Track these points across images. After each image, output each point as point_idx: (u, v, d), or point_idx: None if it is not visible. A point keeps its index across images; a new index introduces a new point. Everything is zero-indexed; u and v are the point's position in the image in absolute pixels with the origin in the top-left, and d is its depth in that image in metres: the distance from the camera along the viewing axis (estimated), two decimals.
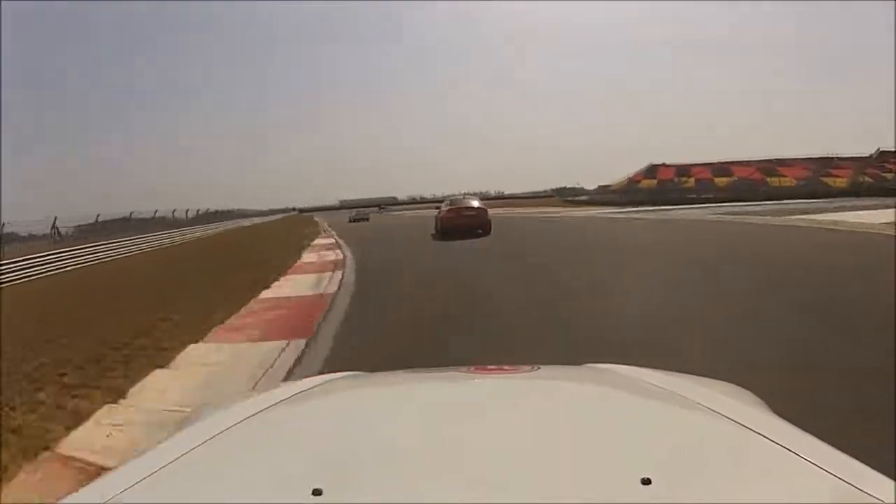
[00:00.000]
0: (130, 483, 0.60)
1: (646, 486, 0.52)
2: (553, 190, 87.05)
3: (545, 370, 1.06)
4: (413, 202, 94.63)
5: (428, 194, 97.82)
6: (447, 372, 1.13)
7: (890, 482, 0.55)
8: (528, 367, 1.05)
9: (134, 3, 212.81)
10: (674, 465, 0.60)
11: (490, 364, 1.13)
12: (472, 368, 1.10)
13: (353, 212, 43.24)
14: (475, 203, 15.10)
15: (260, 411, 0.83)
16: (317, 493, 0.53)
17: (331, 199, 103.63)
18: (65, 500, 0.59)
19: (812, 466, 0.58)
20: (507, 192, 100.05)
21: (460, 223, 13.92)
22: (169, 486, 0.60)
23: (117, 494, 0.57)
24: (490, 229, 14.15)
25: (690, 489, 0.55)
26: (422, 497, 0.53)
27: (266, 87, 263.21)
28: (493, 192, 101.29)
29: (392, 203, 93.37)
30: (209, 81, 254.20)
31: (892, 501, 0.51)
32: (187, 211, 30.03)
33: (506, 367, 1.10)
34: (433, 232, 15.39)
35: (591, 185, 64.43)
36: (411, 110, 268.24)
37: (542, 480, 0.56)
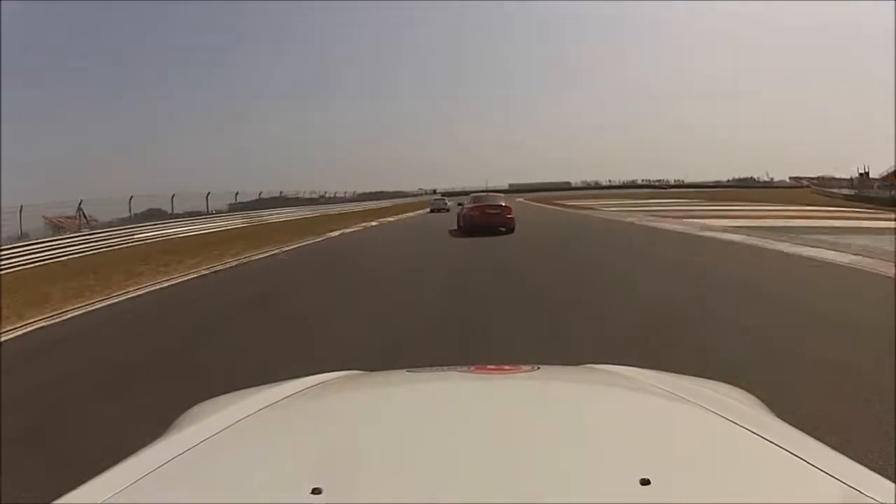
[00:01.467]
0: (129, 482, 0.59)
1: (645, 487, 0.52)
2: (735, 180, 73.03)
3: (545, 370, 1.05)
4: (588, 187, 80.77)
5: (604, 180, 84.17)
6: (446, 371, 1.10)
7: (890, 484, 0.55)
8: (528, 368, 1.03)
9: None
10: (673, 466, 0.59)
11: (490, 364, 1.10)
12: (472, 368, 1.07)
13: (432, 200, 38.39)
14: (501, 202, 14.57)
15: (259, 410, 0.82)
16: (316, 491, 0.52)
17: (501, 182, 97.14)
18: (63, 500, 0.58)
19: (811, 468, 0.57)
20: (686, 179, 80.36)
21: (483, 221, 13.71)
22: (167, 485, 0.60)
23: (116, 493, 0.57)
24: (514, 228, 13.74)
25: (689, 490, 0.54)
26: (421, 496, 0.53)
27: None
28: (672, 179, 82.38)
29: (566, 188, 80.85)
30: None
31: (892, 503, 0.51)
32: (345, 192, 43.95)
33: (505, 367, 1.08)
34: (453, 228, 15.26)
35: (778, 176, 56.21)
36: (588, 101, 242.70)
37: (542, 481, 0.55)
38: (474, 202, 14.62)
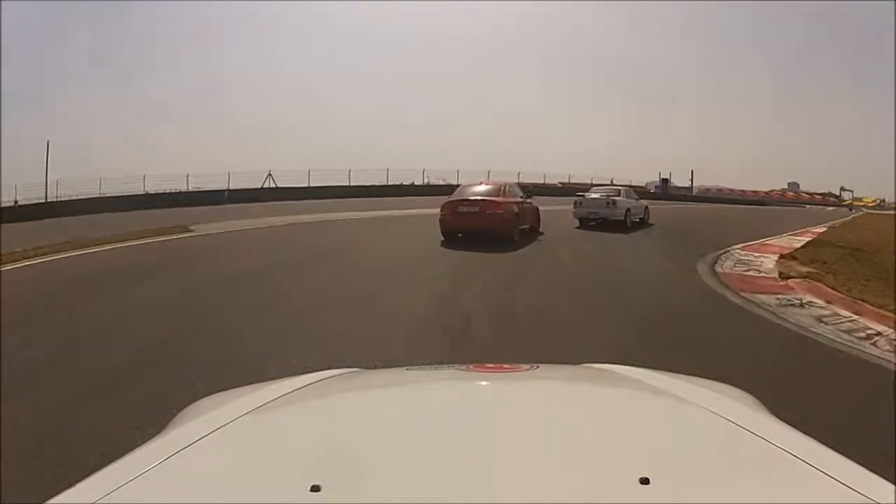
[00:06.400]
0: (126, 480, 0.58)
1: (644, 486, 0.52)
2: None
3: (544, 369, 1.06)
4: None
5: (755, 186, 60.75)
6: (445, 370, 1.10)
7: (889, 485, 0.55)
8: (527, 366, 1.04)
9: None
10: (672, 465, 0.59)
11: (489, 363, 1.11)
12: (471, 366, 1.07)
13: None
14: (494, 196, 9.52)
15: (258, 407, 0.82)
16: (315, 489, 0.52)
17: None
18: (59, 498, 0.58)
19: (809, 468, 0.57)
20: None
21: (458, 224, 9.38)
22: (165, 483, 0.60)
23: (113, 491, 0.56)
24: (509, 233, 9.18)
25: (688, 489, 0.54)
26: (419, 495, 0.52)
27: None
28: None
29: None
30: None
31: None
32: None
33: (505, 366, 1.09)
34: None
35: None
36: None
37: (541, 480, 0.55)
38: (451, 198, 9.87)
